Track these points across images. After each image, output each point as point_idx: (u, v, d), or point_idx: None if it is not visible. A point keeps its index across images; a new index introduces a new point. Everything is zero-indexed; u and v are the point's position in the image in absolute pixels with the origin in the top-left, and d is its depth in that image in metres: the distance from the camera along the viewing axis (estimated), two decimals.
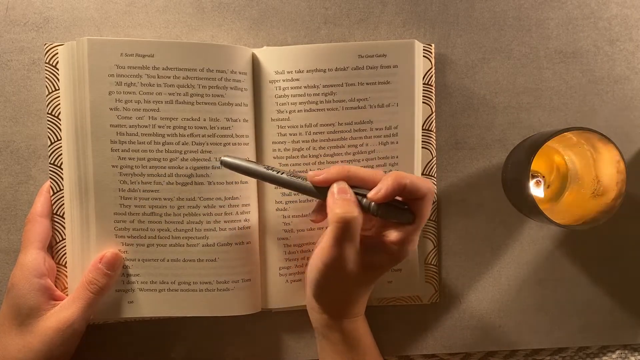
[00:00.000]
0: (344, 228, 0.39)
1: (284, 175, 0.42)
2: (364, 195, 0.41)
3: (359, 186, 0.42)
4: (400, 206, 0.42)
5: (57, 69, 0.46)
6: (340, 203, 0.40)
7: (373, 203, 0.41)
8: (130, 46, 0.44)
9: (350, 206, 0.40)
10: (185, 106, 0.45)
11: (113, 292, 0.46)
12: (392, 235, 0.41)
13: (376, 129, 0.47)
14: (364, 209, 0.41)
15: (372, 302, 0.50)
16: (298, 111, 0.47)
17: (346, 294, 0.43)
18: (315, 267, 0.42)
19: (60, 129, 0.46)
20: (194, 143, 0.45)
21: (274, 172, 0.42)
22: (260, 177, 0.43)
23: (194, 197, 0.45)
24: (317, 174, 0.42)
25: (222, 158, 0.43)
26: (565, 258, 0.51)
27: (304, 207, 0.47)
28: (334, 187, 0.41)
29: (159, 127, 0.45)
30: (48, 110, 0.47)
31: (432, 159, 0.50)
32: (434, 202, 0.50)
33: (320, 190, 0.42)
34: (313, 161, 0.47)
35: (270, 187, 0.47)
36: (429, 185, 0.41)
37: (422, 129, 0.49)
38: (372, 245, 0.42)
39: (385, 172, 0.48)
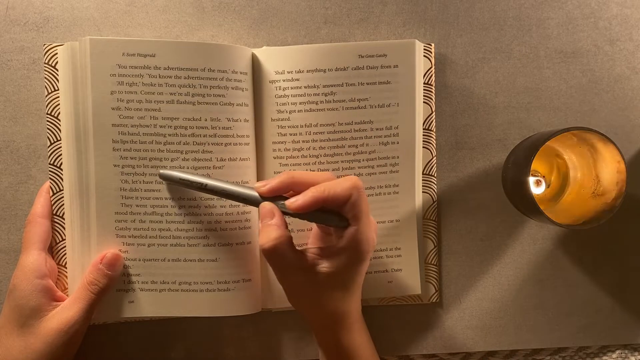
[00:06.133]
0: (273, 257, 0.40)
1: (223, 185, 0.42)
2: None
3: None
4: (331, 213, 0.41)
5: (57, 70, 0.46)
6: (262, 232, 0.40)
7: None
8: (132, 46, 0.44)
9: (270, 232, 0.40)
10: (187, 106, 0.45)
11: (114, 292, 0.46)
12: (341, 240, 0.41)
13: (377, 129, 0.47)
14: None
15: (372, 302, 0.50)
16: (298, 111, 0.47)
17: (325, 306, 0.42)
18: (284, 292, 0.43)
19: (59, 130, 0.46)
20: (195, 143, 0.45)
21: (211, 183, 0.42)
22: (198, 189, 0.43)
23: (195, 197, 0.45)
24: (263, 185, 0.42)
25: (160, 171, 0.44)
26: (565, 258, 0.51)
27: None
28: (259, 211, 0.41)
29: (161, 126, 0.45)
30: (47, 111, 0.46)
31: (432, 159, 0.50)
32: (434, 202, 0.50)
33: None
34: (313, 161, 0.47)
35: None
36: (347, 187, 0.40)
37: (422, 129, 0.49)
38: (333, 253, 0.41)
39: (385, 172, 0.48)
